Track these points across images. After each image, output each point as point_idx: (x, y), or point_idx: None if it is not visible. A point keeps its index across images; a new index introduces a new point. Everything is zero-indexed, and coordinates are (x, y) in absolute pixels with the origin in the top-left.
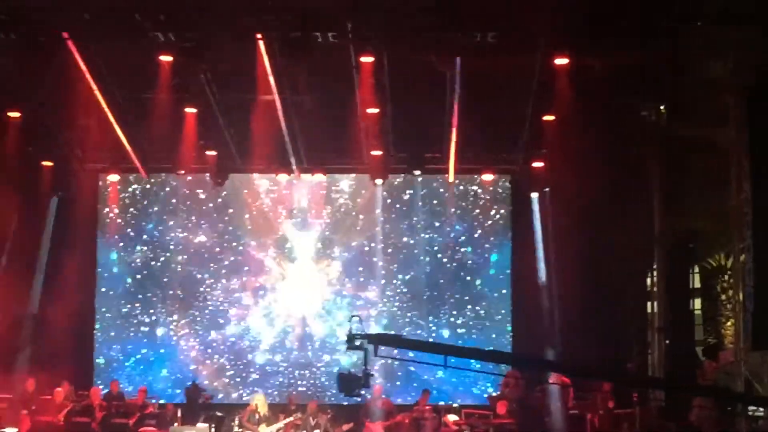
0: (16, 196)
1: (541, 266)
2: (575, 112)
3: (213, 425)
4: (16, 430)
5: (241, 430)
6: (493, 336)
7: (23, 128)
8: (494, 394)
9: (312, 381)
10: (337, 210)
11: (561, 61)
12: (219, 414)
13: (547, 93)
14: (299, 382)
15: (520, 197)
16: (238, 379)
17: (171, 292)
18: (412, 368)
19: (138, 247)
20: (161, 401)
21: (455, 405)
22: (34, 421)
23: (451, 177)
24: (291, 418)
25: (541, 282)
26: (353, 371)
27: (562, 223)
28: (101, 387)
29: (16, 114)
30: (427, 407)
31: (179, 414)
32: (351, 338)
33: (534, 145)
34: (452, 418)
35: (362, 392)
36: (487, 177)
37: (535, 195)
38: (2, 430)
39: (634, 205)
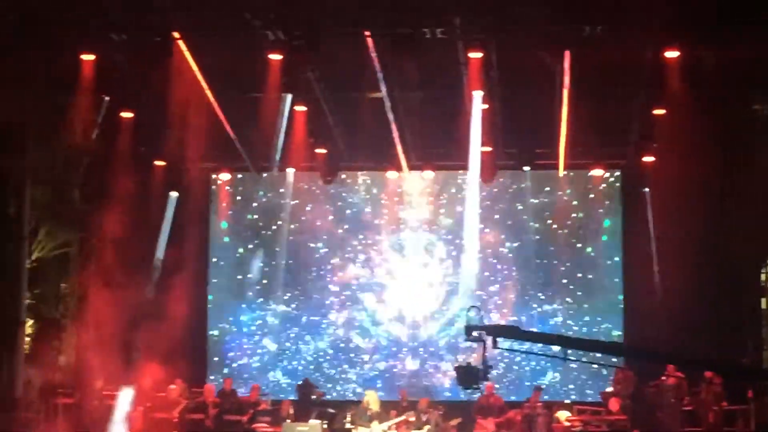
0: (132, 195)
1: (654, 261)
2: (686, 106)
3: (325, 422)
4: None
5: (353, 426)
6: (605, 318)
7: (136, 128)
8: (607, 390)
9: (424, 377)
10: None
11: (671, 53)
12: (331, 410)
13: (658, 86)
14: (411, 379)
15: (630, 192)
16: (349, 375)
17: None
18: (518, 358)
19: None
20: (275, 394)
21: (567, 402)
22: (149, 417)
23: (560, 172)
24: (403, 417)
25: (654, 275)
26: (471, 363)
27: (674, 217)
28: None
29: (129, 114)
30: (539, 404)
31: (292, 410)
32: (469, 330)
33: (645, 139)
34: (564, 415)
35: (480, 386)
36: (597, 172)
37: (646, 190)
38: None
39: (747, 199)
